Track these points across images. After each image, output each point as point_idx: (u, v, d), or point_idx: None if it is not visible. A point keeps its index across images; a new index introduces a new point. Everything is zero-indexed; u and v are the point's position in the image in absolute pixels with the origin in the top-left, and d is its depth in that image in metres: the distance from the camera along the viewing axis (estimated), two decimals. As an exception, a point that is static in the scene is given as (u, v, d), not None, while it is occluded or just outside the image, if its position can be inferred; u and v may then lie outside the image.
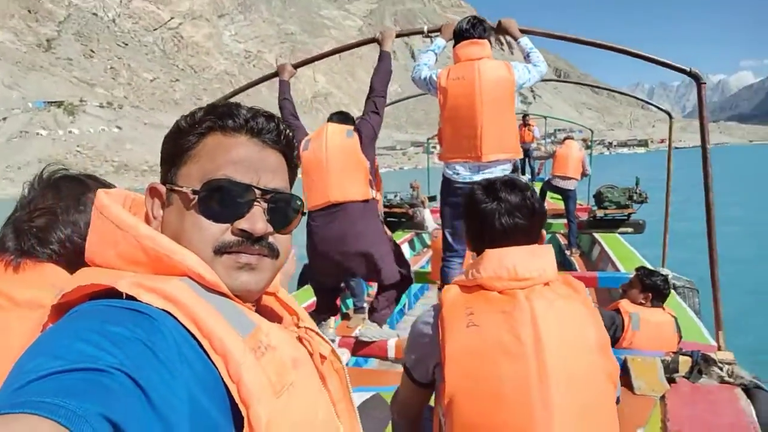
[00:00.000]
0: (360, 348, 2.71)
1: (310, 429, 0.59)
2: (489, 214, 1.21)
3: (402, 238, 6.79)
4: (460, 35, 2.80)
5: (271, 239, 0.65)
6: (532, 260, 1.16)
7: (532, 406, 1.04)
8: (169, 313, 0.53)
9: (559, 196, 7.41)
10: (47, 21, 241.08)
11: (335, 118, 2.91)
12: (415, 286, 5.08)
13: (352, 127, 2.78)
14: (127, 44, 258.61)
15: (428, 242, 7.36)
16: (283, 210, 0.66)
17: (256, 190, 0.63)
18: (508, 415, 1.05)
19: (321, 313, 2.93)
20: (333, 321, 3.16)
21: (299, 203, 0.69)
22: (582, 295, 1.17)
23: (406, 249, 6.49)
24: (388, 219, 6.82)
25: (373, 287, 3.97)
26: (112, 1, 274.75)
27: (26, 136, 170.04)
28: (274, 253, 0.65)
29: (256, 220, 0.63)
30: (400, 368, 2.37)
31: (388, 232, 3.11)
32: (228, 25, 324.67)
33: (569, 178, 7.04)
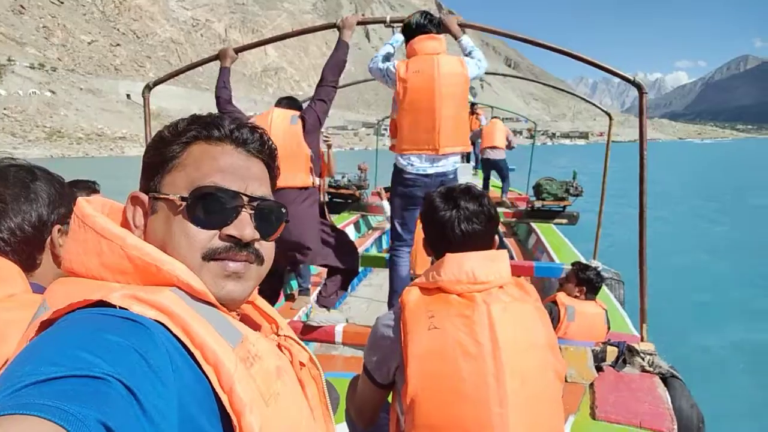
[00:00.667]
0: (307, 332, 2.74)
1: None
2: (448, 221, 1.27)
3: (348, 220, 6.91)
4: (417, 29, 2.82)
5: (257, 245, 0.66)
6: (490, 265, 1.23)
7: (489, 403, 1.11)
8: (161, 323, 0.53)
9: (499, 184, 8.14)
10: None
11: (283, 103, 2.93)
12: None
13: (297, 113, 2.78)
14: (62, 2, 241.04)
15: (373, 224, 7.70)
16: (268, 217, 0.68)
17: (243, 197, 0.64)
18: (467, 413, 1.11)
19: (262, 298, 3.06)
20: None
21: (283, 211, 0.70)
22: (533, 297, 1.26)
23: (351, 231, 6.64)
24: (335, 200, 7.01)
25: (318, 269, 4.10)
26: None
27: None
28: (259, 259, 0.66)
29: (244, 226, 0.64)
30: (346, 353, 2.52)
31: (329, 219, 3.09)
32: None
33: (497, 148, 7.91)
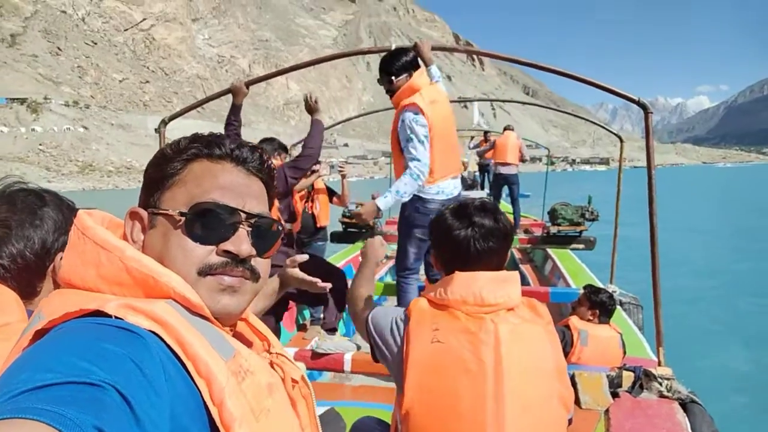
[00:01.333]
0: (316, 360, 2.71)
1: None
2: (463, 241, 1.22)
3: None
4: (410, 64, 2.81)
5: (253, 262, 0.67)
6: (499, 287, 1.18)
7: (486, 426, 1.06)
8: (156, 334, 0.54)
9: (510, 209, 7.85)
10: (12, 16, 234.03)
11: (265, 146, 3.06)
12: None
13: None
14: (96, 43, 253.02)
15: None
16: (265, 234, 0.69)
17: (242, 214, 0.65)
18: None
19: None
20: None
21: (279, 228, 0.72)
22: (545, 320, 1.20)
23: None
24: (349, 230, 6.99)
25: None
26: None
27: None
28: (255, 276, 0.67)
29: (241, 242, 0.64)
30: (355, 383, 2.53)
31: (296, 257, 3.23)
32: (201, 29, 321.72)
33: (509, 164, 7.62)
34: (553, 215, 6.52)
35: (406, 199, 2.77)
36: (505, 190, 8.22)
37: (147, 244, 0.65)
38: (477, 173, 12.20)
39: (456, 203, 1.30)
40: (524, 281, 5.81)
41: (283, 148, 3.42)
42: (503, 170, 7.74)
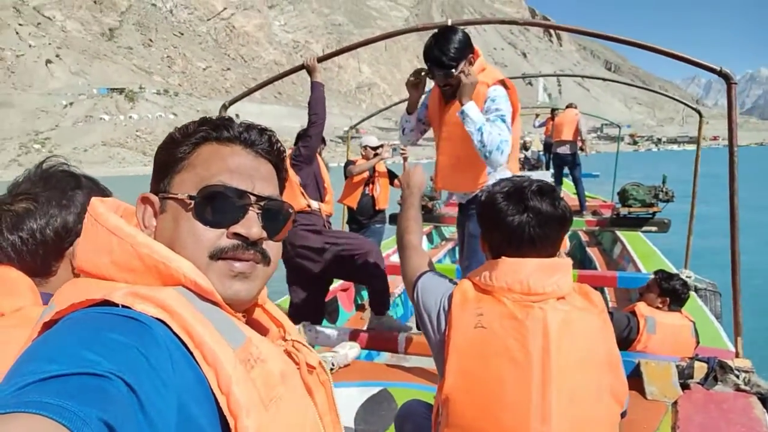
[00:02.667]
0: (371, 341, 2.71)
1: None
2: (517, 227, 1.14)
3: None
4: (470, 43, 2.26)
5: (264, 245, 0.66)
6: (548, 275, 1.12)
7: (530, 418, 1.02)
8: (163, 322, 0.54)
9: (594, 195, 7.51)
10: (110, 11, 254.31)
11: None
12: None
13: (292, 149, 3.04)
14: (182, 34, 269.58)
15: (446, 235, 7.38)
16: (276, 216, 0.68)
17: (251, 196, 0.65)
18: (505, 423, 1.04)
19: (304, 314, 2.92)
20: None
21: (290, 211, 0.71)
22: (598, 308, 1.13)
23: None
24: None
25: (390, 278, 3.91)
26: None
27: (90, 120, 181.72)
28: (266, 259, 0.67)
29: (252, 224, 0.64)
30: (410, 364, 2.65)
31: (342, 235, 3.19)
32: (278, 15, 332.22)
33: (565, 142, 7.28)
34: (624, 196, 6.09)
35: (479, 145, 2.19)
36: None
37: (158, 228, 0.66)
38: (541, 152, 11.64)
39: (510, 185, 1.19)
40: (591, 265, 5.67)
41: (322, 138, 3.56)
42: (559, 149, 7.46)
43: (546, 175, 9.29)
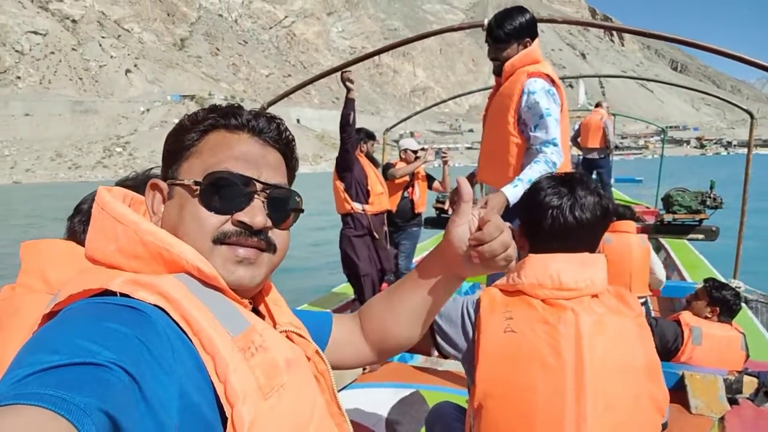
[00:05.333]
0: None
1: (303, 430, 0.59)
2: (557, 209, 1.10)
3: None
4: (532, 27, 2.13)
5: (270, 233, 0.66)
6: (580, 270, 1.06)
7: (564, 424, 0.98)
8: (162, 309, 0.54)
9: (626, 198, 7.26)
10: (181, 23, 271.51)
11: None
12: (465, 285, 4.90)
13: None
14: (246, 42, 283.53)
15: None
16: (282, 205, 0.67)
17: (257, 184, 0.65)
18: (538, 429, 1.00)
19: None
20: None
21: (298, 200, 0.70)
22: (635, 312, 1.08)
23: None
24: (443, 215, 6.84)
25: None
26: (234, 2, 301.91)
27: (165, 125, 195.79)
28: (271, 247, 0.66)
29: (256, 213, 0.64)
30: (441, 368, 2.71)
31: (382, 243, 3.53)
32: (336, 22, 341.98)
33: (590, 149, 6.88)
34: (668, 202, 5.84)
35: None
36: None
37: (165, 215, 0.66)
38: (580, 155, 11.70)
39: (560, 175, 1.17)
40: None
41: (370, 136, 3.71)
42: (588, 155, 6.96)
43: None
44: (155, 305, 0.53)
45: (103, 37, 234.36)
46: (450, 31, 2.78)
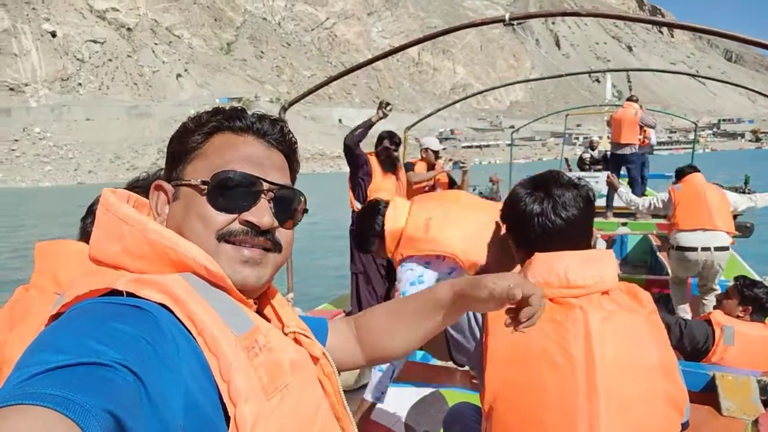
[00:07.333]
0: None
1: (306, 431, 0.59)
2: (541, 215, 1.09)
3: None
4: None
5: (275, 233, 0.66)
6: (587, 266, 1.05)
7: (577, 425, 0.96)
8: (167, 307, 0.54)
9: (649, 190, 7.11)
10: (228, 27, 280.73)
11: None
12: None
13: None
14: (289, 44, 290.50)
15: None
16: (288, 205, 0.68)
17: (264, 183, 0.65)
18: (550, 431, 0.98)
19: None
20: None
21: (303, 199, 0.71)
22: (647, 309, 1.05)
23: None
24: None
25: None
26: (278, 5, 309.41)
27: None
28: (277, 247, 0.67)
29: (263, 213, 0.64)
30: (462, 368, 2.46)
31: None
32: (376, 22, 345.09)
33: (623, 145, 6.52)
34: None
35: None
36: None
37: (170, 216, 0.66)
38: (608, 151, 10.78)
39: (533, 179, 1.16)
40: (663, 271, 5.30)
41: (393, 141, 3.81)
42: (617, 151, 6.65)
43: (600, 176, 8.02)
44: (160, 304, 0.53)
45: (155, 44, 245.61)
46: (469, 27, 2.87)
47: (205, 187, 0.63)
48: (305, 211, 0.72)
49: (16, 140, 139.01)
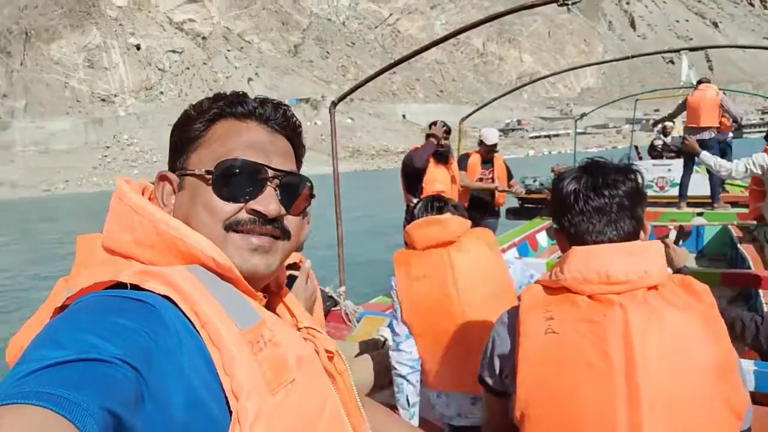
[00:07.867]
0: None
1: (311, 428, 0.58)
2: (574, 193, 1.03)
3: (540, 225, 6.22)
4: None
5: (284, 220, 0.66)
6: (630, 261, 0.96)
7: (617, 431, 0.90)
8: (171, 300, 0.53)
9: (740, 183, 6.64)
10: (295, 30, 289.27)
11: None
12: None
13: None
14: (354, 43, 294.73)
15: None
16: (294, 191, 0.67)
17: (268, 170, 0.64)
18: None
19: None
20: None
21: (309, 185, 0.70)
22: (704, 305, 0.95)
23: (543, 237, 6.11)
24: (526, 205, 6.65)
25: None
26: (342, 5, 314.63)
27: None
28: (285, 234, 0.66)
29: (269, 201, 0.63)
30: None
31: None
32: (439, 15, 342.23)
33: (703, 129, 6.10)
34: None
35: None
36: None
37: (176, 206, 0.66)
38: (681, 135, 9.73)
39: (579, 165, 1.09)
40: (744, 264, 4.97)
41: (446, 130, 3.95)
42: (696, 136, 6.04)
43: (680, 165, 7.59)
44: (164, 296, 0.53)
45: (228, 50, 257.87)
46: (522, 10, 2.73)
47: (210, 176, 0.63)
48: (312, 196, 0.71)
49: (108, 147, 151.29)
